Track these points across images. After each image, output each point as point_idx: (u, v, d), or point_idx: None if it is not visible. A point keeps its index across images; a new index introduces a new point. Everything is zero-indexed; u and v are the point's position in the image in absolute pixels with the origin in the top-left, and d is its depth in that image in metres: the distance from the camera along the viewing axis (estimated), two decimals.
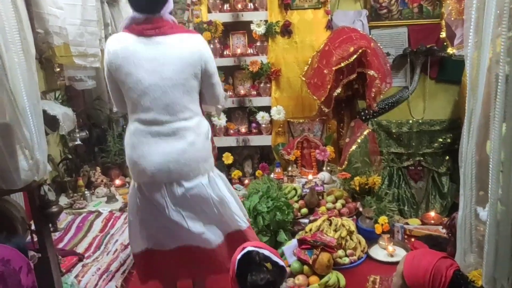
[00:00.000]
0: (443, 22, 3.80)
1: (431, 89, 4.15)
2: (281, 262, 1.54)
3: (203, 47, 2.16)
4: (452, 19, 3.03)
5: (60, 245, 2.90)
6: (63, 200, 3.44)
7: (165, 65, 2.07)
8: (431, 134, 4.12)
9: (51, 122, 3.17)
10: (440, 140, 4.12)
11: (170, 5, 2.16)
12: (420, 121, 4.14)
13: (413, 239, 3.10)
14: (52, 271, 2.26)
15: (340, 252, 2.85)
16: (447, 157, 4.13)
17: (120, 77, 2.09)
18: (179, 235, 2.26)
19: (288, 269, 2.73)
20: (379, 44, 3.63)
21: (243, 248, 1.55)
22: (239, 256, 1.53)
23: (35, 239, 2.27)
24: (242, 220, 2.34)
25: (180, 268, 2.34)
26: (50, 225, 2.26)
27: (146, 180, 2.18)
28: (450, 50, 3.71)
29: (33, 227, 2.26)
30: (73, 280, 2.49)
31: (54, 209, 2.19)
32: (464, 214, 1.73)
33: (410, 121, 4.15)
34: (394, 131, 4.16)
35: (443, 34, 3.78)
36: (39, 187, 2.16)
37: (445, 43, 3.81)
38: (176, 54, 2.09)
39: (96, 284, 2.52)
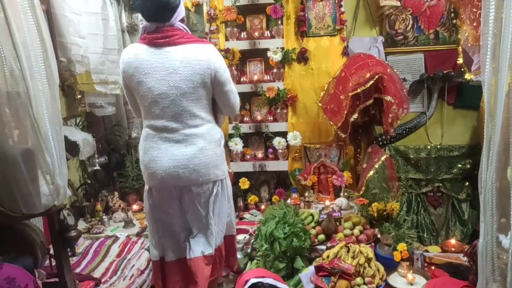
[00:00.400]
0: (460, 48, 3.80)
1: (449, 114, 4.12)
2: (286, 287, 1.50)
3: (212, 56, 2.21)
4: (469, 45, 3.03)
5: (78, 270, 2.91)
6: (81, 225, 3.46)
7: (173, 74, 2.15)
8: (450, 159, 4.07)
9: (71, 148, 3.23)
10: (459, 166, 4.06)
11: (180, 13, 2.23)
12: (439, 146, 4.10)
13: (433, 267, 3.03)
14: None
15: (358, 280, 2.79)
16: (467, 183, 4.06)
17: (133, 85, 2.20)
18: (182, 246, 2.36)
19: None
20: (395, 70, 3.64)
21: (246, 281, 1.51)
22: None
23: (53, 263, 2.29)
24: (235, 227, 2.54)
25: (184, 279, 2.39)
26: (69, 249, 2.29)
27: (156, 183, 2.26)
28: (467, 76, 3.69)
29: (51, 251, 2.29)
30: None
31: (73, 233, 2.23)
32: (485, 242, 1.69)
33: (428, 147, 4.11)
34: (412, 156, 4.12)
35: (460, 60, 3.78)
36: (59, 212, 2.20)
37: (462, 69, 3.80)
38: (184, 64, 2.16)
39: None
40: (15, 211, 1.98)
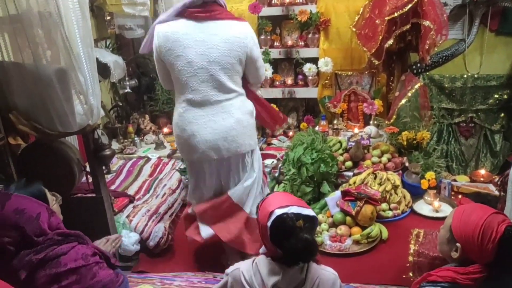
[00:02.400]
0: None
1: (490, 42, 3.90)
2: (311, 213, 1.51)
3: (249, 34, 2.27)
4: None
5: (112, 187, 3.06)
6: (114, 146, 3.58)
7: (213, 49, 2.18)
8: (487, 89, 3.92)
9: (102, 70, 3.26)
10: (496, 96, 3.91)
11: None
12: (476, 76, 3.94)
13: (460, 196, 3.04)
14: (106, 210, 2.41)
15: (384, 206, 2.85)
16: (502, 114, 3.94)
17: (170, 59, 2.20)
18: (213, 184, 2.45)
19: (330, 220, 2.77)
20: None
21: (271, 213, 1.50)
22: (269, 223, 1.49)
23: (90, 180, 2.41)
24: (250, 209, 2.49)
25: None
26: (104, 167, 2.39)
27: (196, 157, 2.32)
28: None
29: (88, 169, 2.39)
30: (124, 219, 2.64)
31: (107, 152, 2.31)
32: None
33: (465, 76, 3.95)
34: (446, 86, 3.99)
35: None
36: (93, 131, 2.27)
37: None
38: (223, 39, 2.19)
39: (146, 225, 2.66)
40: (52, 129, 2.06)
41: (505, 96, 3.88)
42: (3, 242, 1.43)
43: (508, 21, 3.76)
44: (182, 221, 2.75)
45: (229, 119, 2.28)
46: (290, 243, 1.42)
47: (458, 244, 1.49)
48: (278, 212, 1.47)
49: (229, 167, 2.39)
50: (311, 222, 1.51)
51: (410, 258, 2.27)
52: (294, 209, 1.48)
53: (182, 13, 2.20)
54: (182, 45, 2.16)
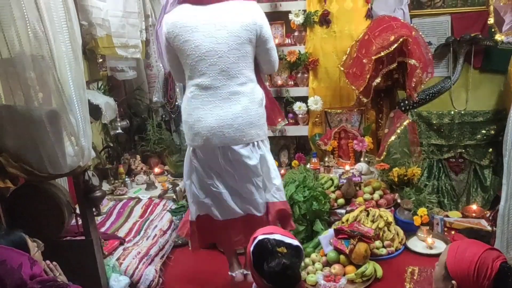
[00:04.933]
0: (491, 8, 3.65)
1: (475, 79, 4.00)
2: (295, 243, 1.52)
3: (258, 12, 2.22)
4: (501, 4, 2.90)
5: (102, 229, 3.00)
6: (105, 187, 3.54)
7: (221, 30, 2.14)
8: (474, 125, 3.98)
9: (94, 111, 3.27)
10: (483, 131, 3.97)
11: None
12: (463, 112, 4.01)
13: (453, 232, 3.03)
14: (95, 253, 2.36)
15: (378, 243, 2.83)
16: (490, 149, 3.98)
17: (179, 45, 2.19)
18: (228, 206, 2.35)
19: (324, 259, 2.74)
20: (420, 33, 3.54)
21: (254, 238, 1.54)
22: (252, 248, 1.52)
23: (80, 222, 2.37)
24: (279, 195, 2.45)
25: (232, 237, 2.42)
26: (94, 209, 2.35)
27: (200, 143, 2.26)
28: (498, 37, 3.56)
29: (77, 211, 2.36)
30: (114, 263, 2.58)
31: (98, 193, 2.29)
32: (507, 205, 1.68)
33: (452, 112, 4.01)
34: (434, 122, 4.04)
35: (491, 20, 3.63)
36: (84, 173, 2.25)
37: (493, 29, 3.66)
38: (231, 20, 2.15)
39: (136, 267, 2.59)
40: (42, 171, 2.05)
41: (492, 132, 3.94)
42: None
43: (491, 59, 3.87)
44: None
45: (236, 106, 2.21)
46: (270, 267, 1.43)
47: (453, 282, 1.48)
48: (261, 237, 1.50)
49: (238, 161, 2.27)
50: (295, 250, 1.51)
51: None
52: (277, 236, 1.51)
53: None
54: (189, 29, 2.15)
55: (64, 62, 2.01)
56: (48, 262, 1.70)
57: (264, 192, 2.39)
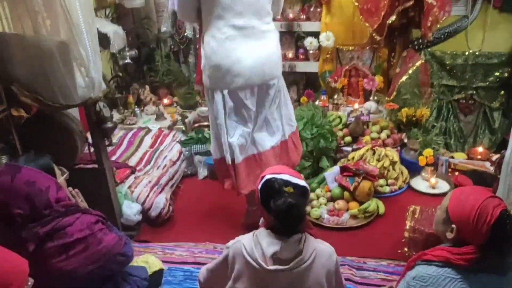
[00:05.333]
0: None
1: (493, 19, 3.86)
2: (302, 183, 1.57)
3: None
4: None
5: (113, 158, 3.08)
6: (115, 116, 3.58)
7: None
8: (487, 67, 3.90)
9: (102, 40, 3.22)
10: (497, 74, 3.90)
11: None
12: (477, 53, 3.92)
13: (457, 173, 3.08)
14: (108, 181, 2.44)
15: (382, 181, 2.89)
16: (502, 92, 3.94)
17: None
18: (248, 144, 2.40)
19: (328, 194, 2.82)
20: None
21: (262, 177, 1.59)
22: (259, 186, 1.58)
23: (92, 150, 2.43)
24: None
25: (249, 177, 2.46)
26: (106, 139, 2.40)
27: (239, 85, 2.25)
28: None
29: (89, 140, 2.41)
30: (126, 190, 2.68)
31: (109, 124, 2.33)
32: None
33: (466, 53, 3.92)
34: (448, 62, 3.96)
35: None
36: (95, 104, 2.27)
37: None
38: None
39: (147, 196, 2.69)
40: (54, 101, 2.07)
41: (506, 74, 3.87)
42: (13, 213, 1.46)
43: None
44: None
45: (270, 43, 2.30)
46: (275, 205, 1.49)
47: (453, 226, 1.53)
48: (269, 176, 1.55)
49: (268, 92, 2.35)
50: (301, 191, 1.56)
51: (406, 234, 2.32)
52: (284, 176, 1.55)
53: None
54: None
55: None
56: (70, 188, 1.79)
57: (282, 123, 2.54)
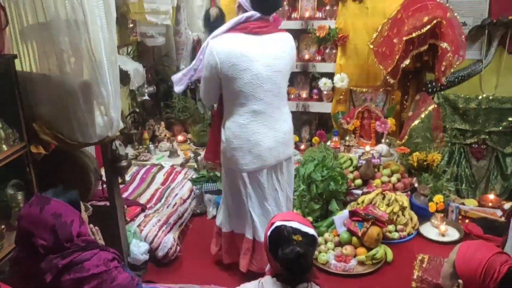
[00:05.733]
0: None
1: (508, 64, 3.89)
2: (311, 231, 1.58)
3: (293, 43, 2.45)
4: None
5: (125, 194, 3.12)
6: (129, 151, 3.64)
7: (277, 59, 2.30)
8: (501, 112, 3.91)
9: (122, 77, 3.31)
10: (510, 119, 3.90)
11: None
12: (491, 97, 3.94)
13: (467, 221, 3.05)
14: (118, 219, 2.48)
15: (390, 227, 2.88)
16: None
17: (234, 73, 2.23)
18: (249, 224, 2.50)
19: (337, 239, 2.81)
20: (455, 14, 3.44)
21: (272, 224, 1.61)
22: (269, 233, 1.60)
23: (105, 187, 2.49)
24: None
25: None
26: (119, 177, 2.46)
27: (257, 166, 2.39)
28: None
29: (103, 178, 2.47)
30: (135, 229, 2.71)
31: (124, 163, 2.39)
32: None
33: (480, 97, 3.94)
34: (461, 106, 3.98)
35: None
36: (111, 142, 2.34)
37: None
38: (283, 50, 2.34)
39: (156, 235, 2.71)
40: (73, 139, 2.14)
41: None
42: (37, 244, 1.51)
43: None
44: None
45: (285, 124, 2.44)
46: (284, 253, 1.50)
47: (460, 281, 1.52)
48: (278, 223, 1.57)
49: (281, 171, 2.51)
50: (310, 239, 1.58)
51: (413, 284, 2.30)
52: (294, 224, 1.57)
53: (240, 28, 2.27)
54: (248, 59, 2.23)
55: (99, 36, 2.06)
56: (91, 225, 1.84)
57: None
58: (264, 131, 2.34)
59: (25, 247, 1.55)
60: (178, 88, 2.54)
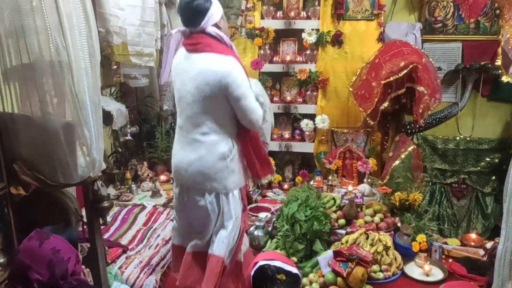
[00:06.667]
0: (500, 50, 3.69)
1: (482, 106, 4.05)
2: (294, 270, 1.59)
3: (228, 69, 2.18)
4: (510, 47, 2.94)
5: (106, 235, 3.06)
6: (111, 191, 3.60)
7: (191, 81, 2.24)
8: (478, 152, 4.03)
9: (105, 117, 3.32)
10: (488, 159, 4.02)
11: (212, 18, 2.23)
12: (468, 138, 4.06)
13: (450, 260, 3.06)
14: (99, 261, 2.41)
15: (375, 267, 2.86)
16: (493, 177, 4.03)
17: (174, 84, 2.41)
18: (194, 238, 2.49)
19: (321, 279, 2.77)
20: (430, 59, 3.58)
21: (256, 263, 1.60)
22: (252, 272, 1.59)
23: (86, 228, 2.43)
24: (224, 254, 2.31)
25: (191, 272, 2.50)
26: (100, 218, 2.41)
27: (176, 178, 2.49)
28: (504, 78, 3.61)
29: (84, 219, 2.42)
30: (117, 271, 2.64)
31: (106, 204, 2.35)
32: (504, 248, 1.72)
33: (457, 138, 4.07)
34: (439, 147, 4.10)
35: (498, 62, 3.68)
36: (93, 183, 2.31)
37: (500, 71, 3.72)
38: (199, 72, 2.21)
39: (138, 277, 2.65)
40: (54, 180, 2.11)
41: (496, 160, 3.99)
42: (33, 277, 1.49)
43: (499, 87, 3.91)
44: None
45: (192, 153, 2.33)
46: None
47: None
48: (262, 263, 1.56)
49: (191, 200, 2.41)
50: (294, 278, 1.56)
51: None
52: (277, 263, 1.57)
53: (183, 43, 2.35)
54: (176, 72, 2.35)
55: (83, 78, 2.07)
56: (83, 266, 1.81)
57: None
58: (178, 146, 2.40)
59: (19, 281, 1.53)
60: (163, 78, 2.58)
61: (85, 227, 2.45)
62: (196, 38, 2.23)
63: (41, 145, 2.08)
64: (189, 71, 2.25)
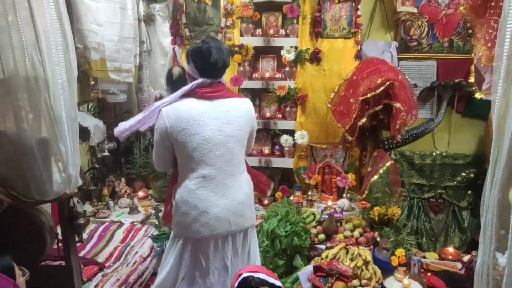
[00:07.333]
0: (472, 67, 3.80)
1: (457, 122, 4.14)
2: (278, 283, 1.58)
3: (253, 110, 2.44)
4: (482, 65, 3.02)
5: (82, 253, 3.00)
6: (88, 208, 3.54)
7: (228, 125, 2.26)
8: (454, 167, 4.10)
9: (82, 133, 3.29)
10: (463, 174, 4.09)
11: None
12: (444, 154, 4.14)
13: (429, 274, 3.08)
14: (74, 280, 2.36)
15: (355, 282, 2.85)
16: (469, 192, 4.10)
17: (184, 138, 2.20)
18: None
19: None
20: (406, 76, 3.65)
21: (240, 275, 1.60)
22: (236, 284, 1.58)
23: (61, 246, 2.37)
24: None
25: None
26: (76, 235, 2.36)
27: (204, 235, 2.26)
28: (478, 95, 3.69)
29: (59, 236, 2.37)
30: None
31: (81, 221, 2.31)
32: (482, 262, 1.74)
33: (434, 153, 4.14)
34: (417, 162, 4.16)
35: (471, 79, 3.78)
36: (69, 199, 2.27)
37: (473, 88, 3.82)
38: (236, 115, 2.30)
39: None
40: (28, 196, 2.06)
41: (472, 175, 4.06)
42: None
43: (473, 104, 4.01)
44: None
45: (239, 193, 2.31)
46: None
47: None
48: (246, 274, 1.55)
49: (234, 244, 2.36)
50: None
51: None
52: (261, 275, 1.56)
53: (191, 94, 2.25)
54: (197, 123, 2.19)
55: (59, 94, 2.05)
56: None
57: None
58: (214, 199, 2.24)
59: None
60: (120, 136, 2.43)
61: (60, 244, 2.40)
62: (216, 86, 2.29)
63: (15, 161, 2.03)
64: (223, 117, 2.25)
